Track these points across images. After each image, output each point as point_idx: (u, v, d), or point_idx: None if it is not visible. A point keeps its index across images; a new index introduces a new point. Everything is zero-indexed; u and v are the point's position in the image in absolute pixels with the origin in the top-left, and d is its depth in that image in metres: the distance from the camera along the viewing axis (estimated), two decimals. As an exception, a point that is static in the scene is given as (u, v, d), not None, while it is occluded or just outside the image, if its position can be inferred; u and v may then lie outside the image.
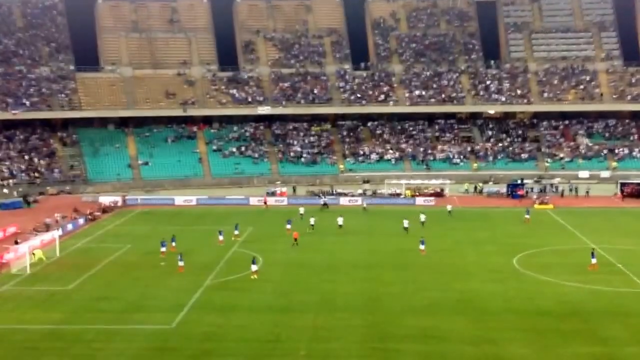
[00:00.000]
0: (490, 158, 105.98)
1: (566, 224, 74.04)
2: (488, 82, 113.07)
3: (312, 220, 71.46)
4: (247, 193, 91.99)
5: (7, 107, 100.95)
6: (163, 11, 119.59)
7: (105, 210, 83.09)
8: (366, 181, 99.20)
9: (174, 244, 61.73)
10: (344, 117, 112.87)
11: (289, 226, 68.96)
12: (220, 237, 64.95)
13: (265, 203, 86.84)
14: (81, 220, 75.72)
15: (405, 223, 70.21)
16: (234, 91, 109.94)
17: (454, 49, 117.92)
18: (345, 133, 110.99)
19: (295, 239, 64.15)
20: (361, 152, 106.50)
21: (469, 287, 50.85)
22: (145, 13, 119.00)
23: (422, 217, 73.30)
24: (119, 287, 51.22)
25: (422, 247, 60.13)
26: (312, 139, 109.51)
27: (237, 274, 54.18)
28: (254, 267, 52.81)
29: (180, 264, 54.94)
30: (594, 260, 55.28)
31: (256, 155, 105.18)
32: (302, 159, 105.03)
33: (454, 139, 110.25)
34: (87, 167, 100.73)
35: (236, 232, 66.93)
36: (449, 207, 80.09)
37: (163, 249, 59.67)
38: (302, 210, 79.11)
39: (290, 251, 62.17)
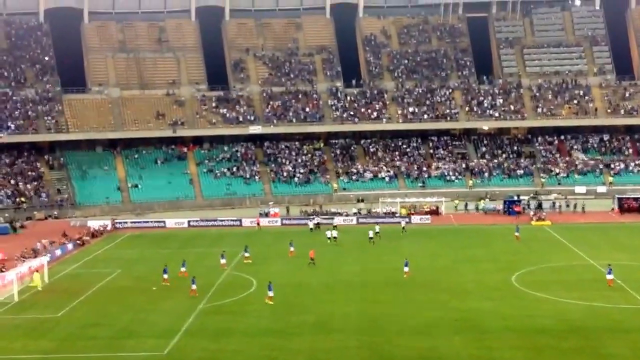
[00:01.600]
0: (486, 174, 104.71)
1: (564, 240, 72.76)
2: (481, 98, 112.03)
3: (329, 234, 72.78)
4: (240, 214, 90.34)
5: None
6: (151, 31, 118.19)
7: (94, 234, 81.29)
8: (360, 200, 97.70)
9: (183, 268, 59.49)
10: (336, 135, 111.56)
11: (292, 248, 67.00)
12: (223, 261, 62.66)
13: (258, 224, 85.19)
14: (70, 246, 73.95)
15: (370, 233, 72.33)
16: (224, 110, 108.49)
17: (446, 65, 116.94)
18: (338, 151, 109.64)
19: (312, 259, 62.78)
20: (355, 171, 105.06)
21: (467, 305, 49.57)
22: (132, 33, 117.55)
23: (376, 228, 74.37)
24: (110, 313, 49.60)
25: (406, 269, 57.95)
26: (304, 158, 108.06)
27: (232, 298, 52.62)
28: (270, 293, 50.55)
29: (193, 287, 53.07)
30: (610, 277, 54.00)
31: (248, 175, 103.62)
32: (295, 179, 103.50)
33: (448, 155, 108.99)
34: (75, 190, 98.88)
35: (246, 254, 64.85)
36: (402, 223, 79.98)
37: (165, 276, 57.13)
38: (311, 224, 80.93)
39: (286, 272, 60.71)
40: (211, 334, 44.42)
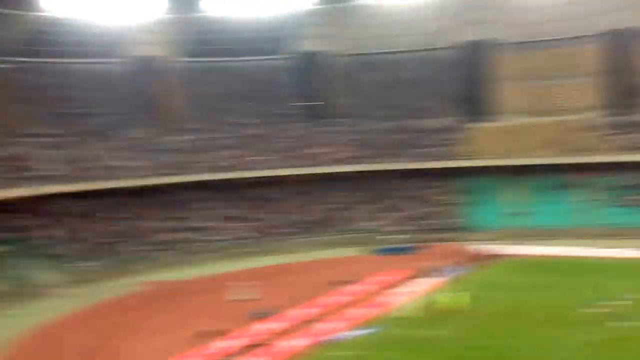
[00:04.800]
0: None
1: None
2: None
3: None
4: (625, 245, 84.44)
5: (403, 158, 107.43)
6: (552, 57, 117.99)
7: (487, 258, 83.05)
8: None
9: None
10: None
11: None
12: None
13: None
14: (463, 268, 76.66)
15: None
16: (626, 136, 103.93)
17: None
18: None
19: None
20: None
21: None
22: (534, 60, 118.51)
23: None
24: (500, 337, 50.13)
25: None
26: None
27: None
28: None
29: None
30: None
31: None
32: None
33: None
34: (470, 215, 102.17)
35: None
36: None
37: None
38: None
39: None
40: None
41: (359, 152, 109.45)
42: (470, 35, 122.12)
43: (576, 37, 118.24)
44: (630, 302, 56.75)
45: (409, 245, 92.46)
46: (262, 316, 56.91)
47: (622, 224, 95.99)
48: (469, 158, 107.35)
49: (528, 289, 66.75)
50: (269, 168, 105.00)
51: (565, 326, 52.54)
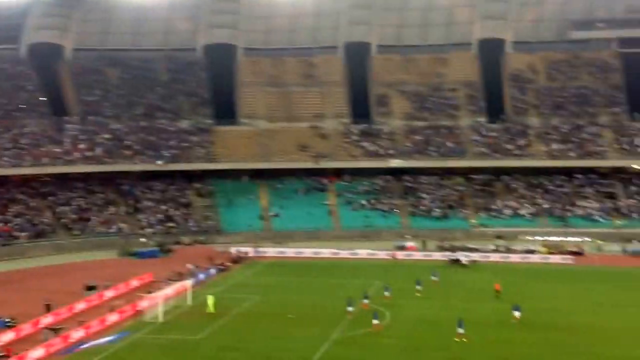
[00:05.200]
0: (635, 215, 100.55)
1: None
2: (633, 136, 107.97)
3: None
4: (376, 246, 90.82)
5: (149, 159, 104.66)
6: (300, 66, 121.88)
7: (236, 260, 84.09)
8: (499, 237, 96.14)
9: (366, 301, 59.66)
10: (477, 170, 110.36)
11: (418, 287, 65.79)
12: (365, 300, 60.39)
13: (394, 257, 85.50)
14: (213, 270, 76.81)
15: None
16: (366, 144, 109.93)
17: (596, 101, 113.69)
18: (478, 187, 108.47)
19: (498, 291, 63.65)
20: (494, 207, 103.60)
21: (612, 352, 47.57)
22: (282, 68, 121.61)
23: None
24: (247, 338, 51.03)
25: (516, 314, 54.87)
26: (443, 192, 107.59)
27: (364, 329, 52.94)
28: (460, 330, 50.29)
29: (375, 322, 52.57)
30: None
31: (386, 208, 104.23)
32: (433, 213, 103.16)
33: (594, 194, 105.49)
34: (220, 217, 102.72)
35: (386, 294, 63.16)
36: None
37: (350, 309, 57.18)
38: (464, 260, 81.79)
39: (419, 307, 60.49)
40: (342, 365, 45.04)
41: (104, 152, 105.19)
42: (219, 38, 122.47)
43: (323, 47, 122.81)
44: (385, 298, 60.38)
45: (160, 248, 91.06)
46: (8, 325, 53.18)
47: (366, 226, 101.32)
48: (219, 161, 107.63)
49: (280, 290, 68.45)
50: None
51: (315, 325, 54.39)
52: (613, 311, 59.67)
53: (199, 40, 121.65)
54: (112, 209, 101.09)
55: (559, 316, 57.12)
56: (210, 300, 59.04)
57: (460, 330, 49.82)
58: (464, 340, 49.27)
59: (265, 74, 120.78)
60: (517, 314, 54.87)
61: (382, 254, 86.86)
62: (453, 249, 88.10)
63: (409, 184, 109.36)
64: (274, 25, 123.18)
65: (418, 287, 65.18)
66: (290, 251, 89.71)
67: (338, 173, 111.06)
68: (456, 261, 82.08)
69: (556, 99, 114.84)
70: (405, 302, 61.77)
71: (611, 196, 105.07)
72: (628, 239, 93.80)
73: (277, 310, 59.69)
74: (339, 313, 57.51)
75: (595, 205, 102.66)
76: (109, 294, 64.30)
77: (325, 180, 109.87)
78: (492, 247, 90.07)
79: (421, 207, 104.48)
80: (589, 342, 50.00)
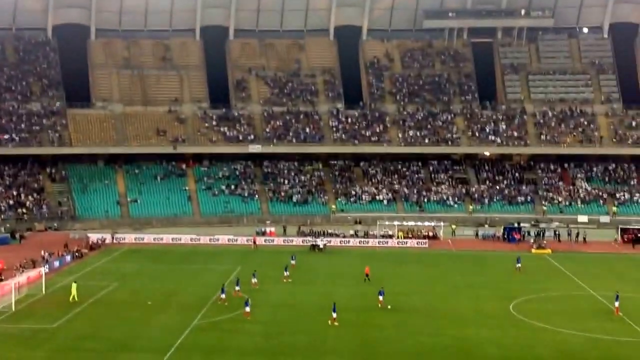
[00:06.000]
0: (486, 200, 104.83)
1: (564, 270, 72.64)
2: (484, 124, 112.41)
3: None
4: (237, 232, 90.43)
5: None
6: (156, 48, 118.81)
7: (92, 247, 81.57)
8: (358, 222, 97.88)
9: (237, 287, 58.69)
10: (336, 156, 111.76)
11: (286, 273, 65.90)
12: (254, 280, 61.37)
13: (254, 243, 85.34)
14: (68, 258, 74.21)
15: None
16: (225, 129, 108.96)
17: (448, 89, 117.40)
18: (337, 173, 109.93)
19: (367, 275, 64.52)
20: (353, 193, 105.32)
21: (463, 333, 49.44)
22: (137, 50, 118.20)
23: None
24: (105, 326, 49.78)
25: (380, 298, 56.02)
26: (303, 178, 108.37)
27: (226, 315, 52.68)
28: (334, 314, 50.55)
29: (247, 309, 51.91)
30: (617, 304, 54.53)
31: (246, 193, 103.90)
32: (293, 199, 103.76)
33: (448, 180, 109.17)
34: (75, 203, 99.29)
35: (254, 280, 62.45)
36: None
37: (223, 295, 56.32)
38: (321, 244, 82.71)
39: (280, 292, 60.74)
40: (204, 351, 44.52)
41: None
42: (70, 18, 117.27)
43: (180, 30, 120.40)
44: (253, 285, 59.94)
45: (12, 234, 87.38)
46: None
47: (226, 212, 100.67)
48: (73, 145, 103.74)
49: (139, 277, 67.18)
50: None
51: (176, 312, 53.77)
52: (466, 293, 61.96)
53: (49, 20, 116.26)
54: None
55: (416, 299, 58.81)
56: (74, 287, 57.01)
57: (334, 315, 50.39)
58: (336, 324, 49.92)
59: (119, 56, 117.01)
60: (381, 298, 55.84)
61: (242, 240, 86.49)
62: (313, 234, 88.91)
63: (269, 170, 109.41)
64: (128, 6, 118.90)
65: (286, 274, 65.36)
66: (148, 237, 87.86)
67: (197, 158, 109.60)
68: (317, 247, 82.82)
69: (411, 87, 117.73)
70: (270, 288, 61.91)
71: (464, 182, 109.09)
72: (480, 224, 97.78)
73: (136, 297, 58.44)
74: (200, 300, 56.95)
75: (450, 190, 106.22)
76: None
77: (184, 166, 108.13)
78: (352, 232, 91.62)
79: (281, 192, 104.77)
80: (443, 323, 51.76)
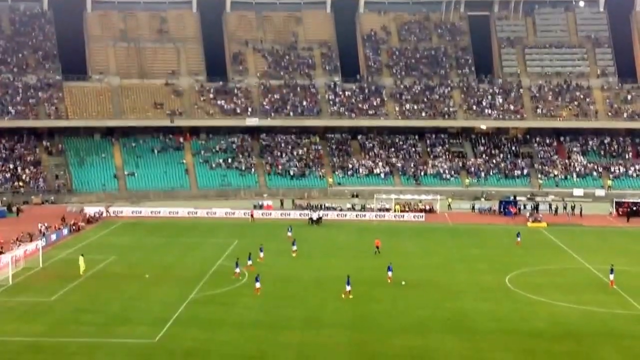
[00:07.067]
0: (482, 174, 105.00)
1: (560, 243, 72.98)
2: (480, 97, 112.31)
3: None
4: (234, 205, 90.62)
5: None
6: (152, 21, 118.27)
7: (89, 220, 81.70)
8: (355, 195, 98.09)
9: (250, 262, 58.81)
10: (333, 130, 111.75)
11: (294, 247, 65.66)
12: (249, 262, 59.74)
13: (251, 216, 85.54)
14: (65, 231, 74.34)
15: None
16: (222, 102, 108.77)
17: (445, 63, 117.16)
18: (334, 146, 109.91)
19: (377, 247, 65.30)
20: (350, 166, 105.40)
21: (459, 305, 49.74)
22: (134, 22, 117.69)
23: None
24: (103, 299, 49.95)
25: (389, 273, 55.80)
26: (300, 151, 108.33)
27: (223, 288, 52.95)
28: (348, 287, 50.61)
29: (257, 285, 51.86)
30: (611, 277, 54.85)
31: (243, 167, 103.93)
32: (290, 172, 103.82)
33: (445, 154, 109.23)
34: (72, 176, 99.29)
35: (261, 255, 62.55)
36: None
37: (237, 270, 56.42)
38: (315, 216, 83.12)
39: (278, 266, 60.98)
40: (201, 324, 44.75)
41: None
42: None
43: (176, 2, 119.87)
44: (260, 259, 60.18)
45: (8, 207, 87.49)
46: None
47: (223, 185, 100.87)
48: (69, 118, 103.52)
49: (136, 250, 67.24)
50: None
51: (174, 285, 53.91)
52: (462, 266, 62.26)
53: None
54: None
55: (413, 272, 58.91)
56: (81, 260, 57.18)
57: (348, 288, 50.65)
58: (350, 297, 50.27)
59: (115, 29, 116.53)
60: (390, 274, 55.64)
61: (239, 213, 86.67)
62: (310, 208, 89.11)
63: (266, 143, 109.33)
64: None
65: (294, 248, 65.45)
66: (146, 211, 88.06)
67: (194, 131, 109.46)
68: (312, 220, 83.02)
69: (408, 60, 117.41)
70: (267, 262, 61.89)
71: (460, 155, 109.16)
72: (476, 197, 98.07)
73: (133, 271, 58.59)
74: (197, 273, 57.21)
75: (446, 164, 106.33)
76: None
77: (181, 139, 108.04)
78: (349, 205, 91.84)
79: (279, 166, 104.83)
80: (440, 296, 52.01)
